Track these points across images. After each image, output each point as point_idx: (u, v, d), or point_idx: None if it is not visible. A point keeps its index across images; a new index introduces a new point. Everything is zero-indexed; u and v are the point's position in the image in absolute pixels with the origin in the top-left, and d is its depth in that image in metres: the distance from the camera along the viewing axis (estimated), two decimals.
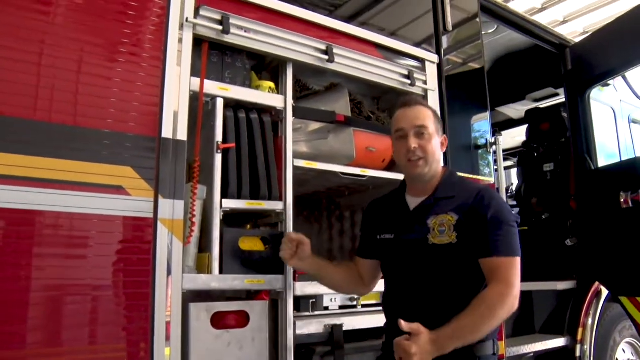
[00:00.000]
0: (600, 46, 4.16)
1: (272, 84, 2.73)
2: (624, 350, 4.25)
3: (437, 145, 2.13)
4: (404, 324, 1.84)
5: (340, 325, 2.69)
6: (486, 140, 3.62)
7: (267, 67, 2.90)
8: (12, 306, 1.85)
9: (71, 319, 1.97)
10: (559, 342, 4.04)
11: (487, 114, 3.74)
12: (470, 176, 3.39)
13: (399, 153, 2.17)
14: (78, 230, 2.02)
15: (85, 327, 1.99)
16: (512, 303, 1.88)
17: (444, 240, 1.98)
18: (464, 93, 3.62)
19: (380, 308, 2.78)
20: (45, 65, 2.01)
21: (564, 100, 4.75)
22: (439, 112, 2.46)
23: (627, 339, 4.27)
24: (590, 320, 4.05)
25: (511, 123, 5.94)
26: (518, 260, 1.94)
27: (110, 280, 2.07)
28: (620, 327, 4.19)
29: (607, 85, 4.55)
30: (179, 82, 2.31)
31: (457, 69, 3.61)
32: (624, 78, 4.68)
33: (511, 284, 1.89)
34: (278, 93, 2.73)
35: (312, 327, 2.64)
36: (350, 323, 2.76)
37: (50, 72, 2.01)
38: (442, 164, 2.23)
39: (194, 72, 2.38)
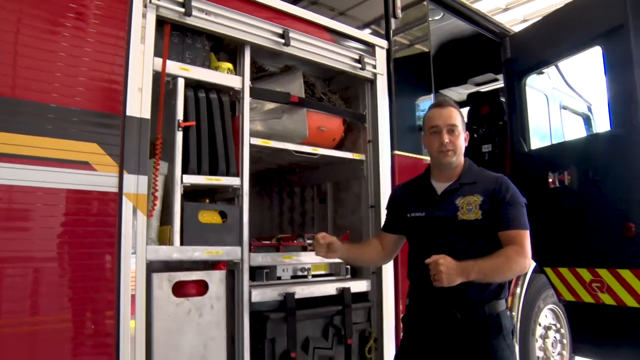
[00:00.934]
0: (537, 37, 4.45)
1: (230, 65, 2.86)
2: (546, 316, 4.67)
3: (463, 140, 2.48)
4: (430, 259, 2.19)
5: (293, 294, 2.88)
6: None
7: (225, 48, 3.02)
8: None
9: (37, 290, 2.08)
10: None
11: (431, 97, 3.98)
12: (416, 156, 3.63)
13: (432, 145, 2.48)
14: (45, 204, 2.11)
15: (51, 298, 2.10)
16: (525, 263, 2.29)
17: (471, 216, 2.35)
18: (410, 76, 3.82)
19: (330, 278, 3.02)
20: (9, 42, 2.07)
21: (502, 85, 5.05)
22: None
23: (549, 306, 4.67)
24: (519, 290, 4.41)
25: None
26: (528, 233, 2.35)
27: (77, 252, 2.17)
28: (544, 295, 4.57)
29: (542, 73, 4.86)
30: (143, 62, 2.40)
31: (404, 51, 3.79)
32: (557, 67, 5.01)
33: (525, 248, 2.30)
34: (236, 74, 2.86)
35: (266, 295, 2.83)
36: (302, 292, 2.97)
37: (18, 50, 2.08)
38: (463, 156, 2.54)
39: (156, 53, 2.48)
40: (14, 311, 2.01)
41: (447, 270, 2.13)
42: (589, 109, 5.72)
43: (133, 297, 2.26)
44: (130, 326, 2.25)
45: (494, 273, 2.25)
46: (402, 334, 2.58)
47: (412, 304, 2.51)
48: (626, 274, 3.69)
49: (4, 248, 1.99)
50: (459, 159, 2.47)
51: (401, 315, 2.73)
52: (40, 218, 2.10)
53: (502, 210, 2.34)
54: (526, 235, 2.33)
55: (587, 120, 5.71)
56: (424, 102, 3.93)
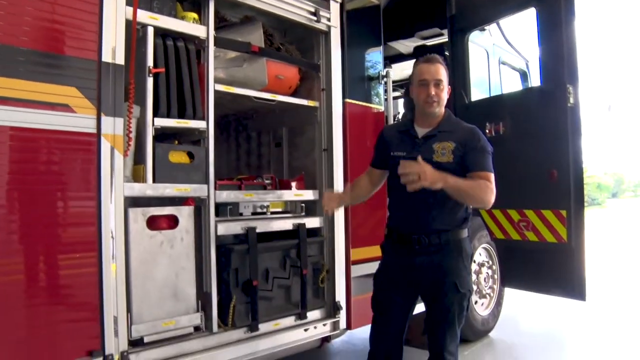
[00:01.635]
0: None
1: (195, 15, 3.03)
2: (480, 254, 5.16)
3: (446, 93, 2.78)
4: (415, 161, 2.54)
5: (254, 228, 3.18)
6: (378, 72, 4.14)
7: None
8: None
9: (17, 227, 2.28)
10: None
11: (381, 48, 4.25)
12: (365, 104, 3.94)
13: (420, 95, 2.78)
14: (28, 143, 2.30)
15: (34, 237, 2.32)
16: (491, 198, 2.63)
17: (444, 159, 2.70)
18: (362, 28, 4.07)
19: (287, 215, 3.32)
20: None
21: (447, 39, 5.37)
22: None
23: (483, 245, 5.16)
24: None
25: (401, 57, 6.50)
26: (493, 176, 2.71)
27: (58, 188, 2.38)
28: (478, 235, 5.04)
29: (484, 30, 5.20)
30: (115, 11, 2.57)
31: (356, 3, 4.00)
32: (498, 25, 5.35)
33: (493, 187, 2.66)
34: (201, 24, 3.03)
35: (230, 229, 3.12)
36: (262, 227, 3.27)
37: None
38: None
39: (127, 2, 2.63)
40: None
41: (431, 171, 2.48)
42: (527, 66, 6.14)
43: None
44: (111, 256, 2.50)
45: (467, 191, 2.61)
46: (381, 258, 2.95)
47: (389, 232, 2.88)
48: (548, 214, 4.17)
49: None
50: (441, 109, 2.78)
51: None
52: (22, 158, 2.29)
53: (473, 156, 2.69)
54: (491, 177, 2.70)
55: (524, 76, 6.14)
56: (374, 53, 4.21)
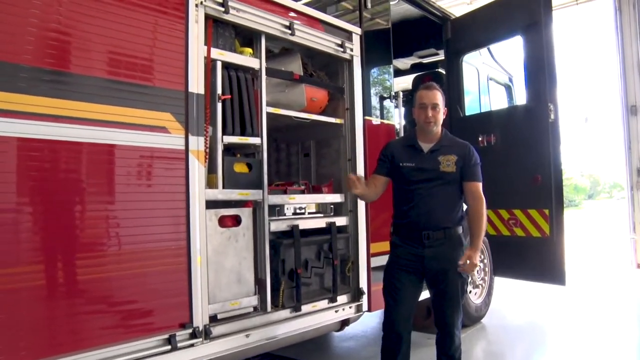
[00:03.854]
0: (473, 23, 5.48)
1: (250, 50, 3.66)
2: None
3: (442, 115, 3.41)
4: (461, 263, 3.26)
5: (297, 225, 3.83)
6: (390, 93, 4.82)
7: (241, 34, 3.79)
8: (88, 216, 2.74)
9: (127, 224, 2.87)
10: None
11: (391, 69, 4.92)
12: (382, 120, 4.63)
13: (420, 116, 3.41)
14: (135, 159, 2.90)
15: (140, 234, 2.90)
16: (484, 206, 3.36)
17: (448, 169, 3.34)
18: (376, 51, 4.70)
19: (320, 215, 3.98)
20: (108, 35, 2.79)
21: (442, 58, 6.08)
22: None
23: None
24: None
25: (398, 72, 7.18)
26: (481, 184, 3.40)
27: (157, 194, 2.99)
28: None
29: (475, 51, 5.94)
30: (197, 50, 3.18)
31: (369, 26, 4.63)
32: (488, 48, 6.10)
33: (483, 198, 3.37)
34: (255, 57, 3.66)
35: (279, 226, 3.76)
36: (302, 224, 3.91)
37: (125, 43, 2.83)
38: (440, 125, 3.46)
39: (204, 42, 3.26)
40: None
41: (474, 256, 3.23)
42: (510, 80, 6.89)
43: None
44: (197, 249, 3.12)
45: (483, 231, 3.34)
46: (390, 253, 3.55)
47: (398, 228, 3.48)
48: (533, 212, 4.91)
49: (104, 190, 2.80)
50: (438, 128, 3.42)
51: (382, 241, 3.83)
52: (130, 171, 2.88)
53: (469, 168, 3.36)
54: (481, 186, 3.38)
55: (509, 90, 6.89)
56: (386, 75, 4.88)
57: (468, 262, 3.23)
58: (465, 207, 3.44)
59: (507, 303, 6.86)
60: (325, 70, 4.43)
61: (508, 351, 5.04)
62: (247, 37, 3.77)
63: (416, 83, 6.61)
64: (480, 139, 5.21)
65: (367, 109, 4.47)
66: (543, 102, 4.77)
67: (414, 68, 6.85)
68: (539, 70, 4.81)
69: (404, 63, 7.05)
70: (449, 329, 3.42)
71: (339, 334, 5.28)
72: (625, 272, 9.45)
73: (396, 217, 3.52)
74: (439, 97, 3.40)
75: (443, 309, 3.42)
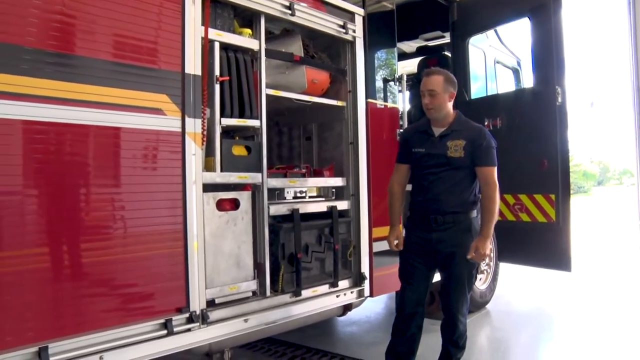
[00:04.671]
0: (479, 5, 5.36)
1: (250, 31, 3.59)
2: None
3: (442, 99, 3.33)
4: (469, 257, 3.26)
5: (297, 209, 3.78)
6: (394, 75, 4.74)
7: (240, 15, 3.72)
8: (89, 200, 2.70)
9: (119, 207, 2.82)
10: None
11: (395, 52, 4.84)
12: (385, 103, 4.55)
13: (423, 103, 3.39)
14: (129, 141, 2.84)
15: (135, 218, 2.85)
16: (497, 192, 3.29)
17: (456, 154, 3.30)
18: (379, 33, 4.60)
19: (321, 199, 3.93)
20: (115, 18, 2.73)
21: (447, 41, 5.97)
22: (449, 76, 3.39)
23: None
24: None
25: (404, 56, 7.09)
26: (495, 168, 3.33)
27: (153, 177, 2.95)
28: None
29: (481, 33, 5.81)
30: (194, 31, 3.12)
31: (373, 8, 4.52)
32: (495, 30, 5.98)
33: (494, 180, 3.30)
34: (254, 38, 3.59)
35: (278, 210, 3.71)
36: (303, 208, 3.86)
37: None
38: (450, 109, 3.40)
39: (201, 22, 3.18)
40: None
41: (484, 246, 3.20)
42: (518, 64, 6.77)
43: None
44: (194, 233, 3.08)
45: (493, 218, 3.27)
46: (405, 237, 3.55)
47: (411, 213, 3.51)
48: (539, 197, 4.83)
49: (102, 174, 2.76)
50: (441, 113, 3.35)
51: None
52: (124, 153, 2.82)
53: (479, 153, 3.28)
54: (494, 170, 3.31)
55: (517, 74, 6.77)
56: (390, 57, 4.80)
57: (475, 252, 3.20)
58: (478, 190, 3.41)
59: (513, 289, 6.83)
60: (327, 52, 4.35)
61: (513, 337, 5.00)
62: (246, 18, 3.70)
63: (421, 66, 6.52)
64: (486, 122, 5.11)
65: (370, 92, 4.39)
66: (550, 85, 4.68)
67: (420, 51, 6.73)
68: (547, 53, 4.70)
69: (409, 46, 6.94)
70: (453, 315, 3.42)
71: (343, 319, 5.27)
72: (633, 259, 9.34)
73: (411, 202, 3.53)
74: (435, 83, 3.34)
75: (449, 293, 3.43)
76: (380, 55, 4.70)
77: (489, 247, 3.25)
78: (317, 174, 4.22)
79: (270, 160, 4.75)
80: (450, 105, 3.39)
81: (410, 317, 3.44)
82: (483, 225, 3.28)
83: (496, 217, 3.31)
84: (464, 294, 3.41)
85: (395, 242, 3.52)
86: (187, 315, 3.03)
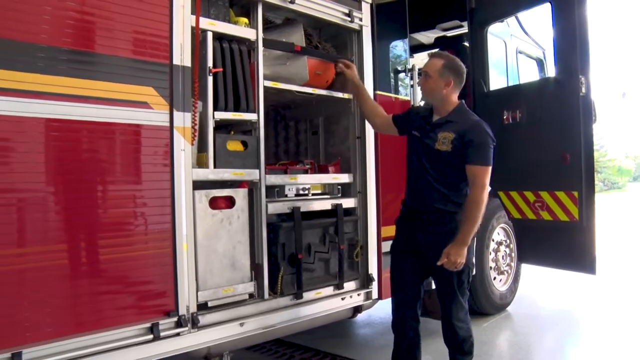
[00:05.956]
0: None
1: (246, 20, 3.41)
2: (498, 233, 5.54)
3: (435, 84, 3.11)
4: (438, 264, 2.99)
5: (299, 207, 3.59)
6: (405, 66, 4.51)
7: (237, 3, 3.55)
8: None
9: (103, 204, 2.69)
10: None
11: (406, 42, 4.61)
12: (394, 95, 4.32)
13: None
14: (113, 137, 2.70)
15: (119, 216, 2.72)
16: (483, 195, 2.98)
17: (443, 148, 3.04)
18: (389, 22, 4.39)
19: (325, 196, 3.74)
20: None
21: (466, 31, 5.69)
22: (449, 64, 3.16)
23: (502, 225, 5.54)
24: None
25: (422, 47, 6.83)
26: (487, 168, 3.00)
27: (139, 174, 2.80)
28: (497, 216, 5.41)
29: (502, 21, 5.52)
30: (183, 20, 2.95)
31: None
32: (516, 17, 5.67)
33: (484, 185, 2.99)
34: (251, 27, 3.41)
35: (278, 208, 3.53)
36: (305, 206, 3.67)
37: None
38: (448, 96, 3.14)
39: (191, 11, 3.02)
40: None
41: (456, 253, 2.93)
42: (543, 54, 6.44)
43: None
44: (184, 232, 2.93)
45: (474, 224, 2.96)
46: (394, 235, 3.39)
47: (402, 209, 3.33)
48: (561, 194, 4.53)
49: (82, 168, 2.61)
50: (434, 98, 3.16)
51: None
52: (108, 149, 2.69)
53: (468, 150, 2.99)
54: (483, 171, 2.99)
55: (541, 64, 6.44)
56: (401, 47, 4.58)
57: (447, 259, 2.97)
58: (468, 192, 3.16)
59: (536, 290, 6.52)
60: (333, 42, 4.16)
61: (536, 342, 4.74)
62: (244, 7, 3.53)
63: (436, 47, 6.27)
64: (505, 116, 4.82)
65: (378, 84, 4.17)
66: (574, 75, 4.36)
67: (438, 42, 6.45)
68: (570, 40, 4.38)
69: (427, 37, 6.67)
70: (449, 321, 3.22)
71: (356, 321, 5.08)
72: None
73: (403, 199, 3.36)
74: (431, 65, 3.15)
75: (442, 299, 3.24)
76: (390, 45, 4.48)
77: (464, 254, 2.96)
78: (322, 169, 4.02)
79: (276, 156, 4.62)
80: (448, 92, 3.13)
81: (402, 321, 3.30)
82: (459, 230, 2.99)
83: (477, 225, 2.99)
84: (457, 300, 3.18)
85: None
86: (175, 319, 2.88)
